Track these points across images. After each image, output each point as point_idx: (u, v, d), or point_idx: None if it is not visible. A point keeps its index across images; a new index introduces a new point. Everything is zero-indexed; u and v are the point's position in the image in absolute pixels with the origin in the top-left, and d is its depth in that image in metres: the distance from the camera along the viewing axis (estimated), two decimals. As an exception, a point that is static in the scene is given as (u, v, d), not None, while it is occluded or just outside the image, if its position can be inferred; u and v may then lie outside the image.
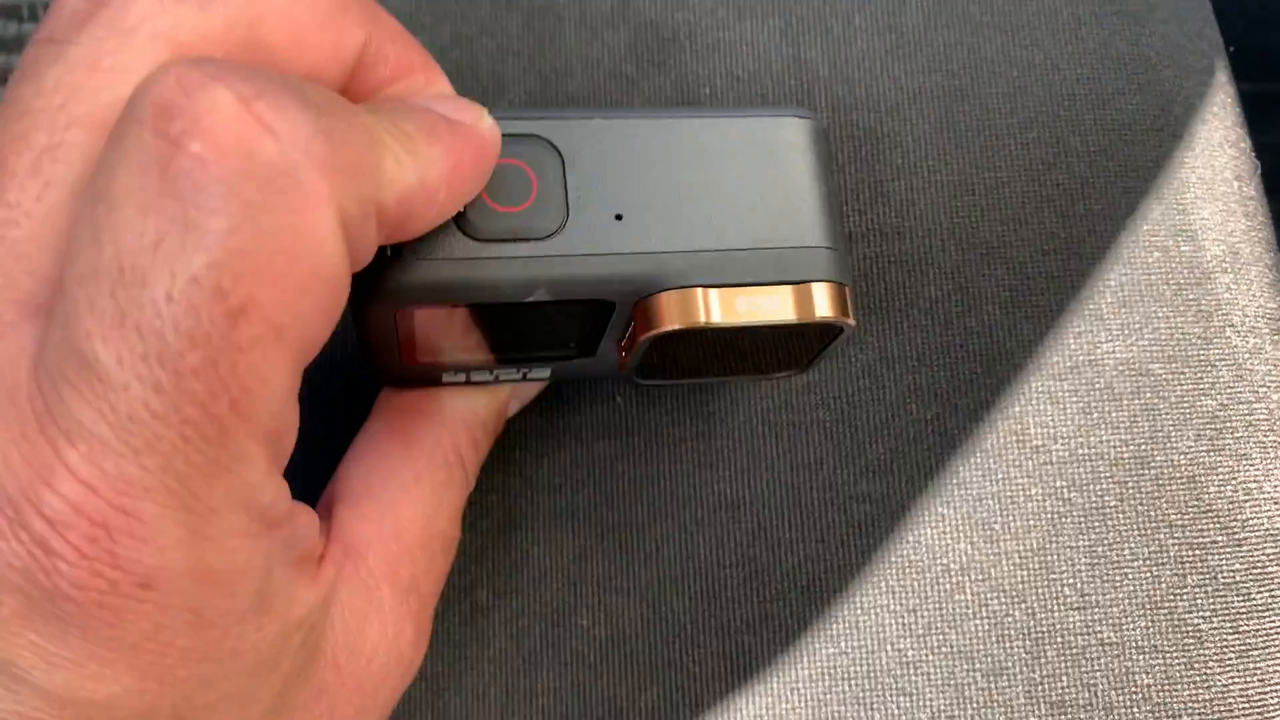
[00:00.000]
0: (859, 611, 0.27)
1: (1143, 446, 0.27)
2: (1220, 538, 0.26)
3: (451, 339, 0.23)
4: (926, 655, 0.26)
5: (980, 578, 0.26)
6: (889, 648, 0.26)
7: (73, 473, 0.15)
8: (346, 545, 0.22)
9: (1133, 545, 0.26)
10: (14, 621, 0.16)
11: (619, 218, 0.21)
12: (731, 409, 0.28)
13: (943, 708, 0.26)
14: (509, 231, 0.20)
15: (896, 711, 0.26)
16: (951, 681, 0.26)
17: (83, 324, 0.15)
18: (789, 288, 0.21)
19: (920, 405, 0.27)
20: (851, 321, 0.21)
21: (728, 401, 0.28)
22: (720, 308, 0.20)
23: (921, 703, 0.26)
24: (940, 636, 0.26)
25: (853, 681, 0.26)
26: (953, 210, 0.28)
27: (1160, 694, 0.26)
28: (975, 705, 0.26)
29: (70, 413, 0.15)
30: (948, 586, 0.26)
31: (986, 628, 0.26)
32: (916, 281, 0.28)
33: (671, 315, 0.21)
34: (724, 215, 0.21)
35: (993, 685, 0.26)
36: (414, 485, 0.24)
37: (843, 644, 0.27)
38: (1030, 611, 0.26)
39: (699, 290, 0.20)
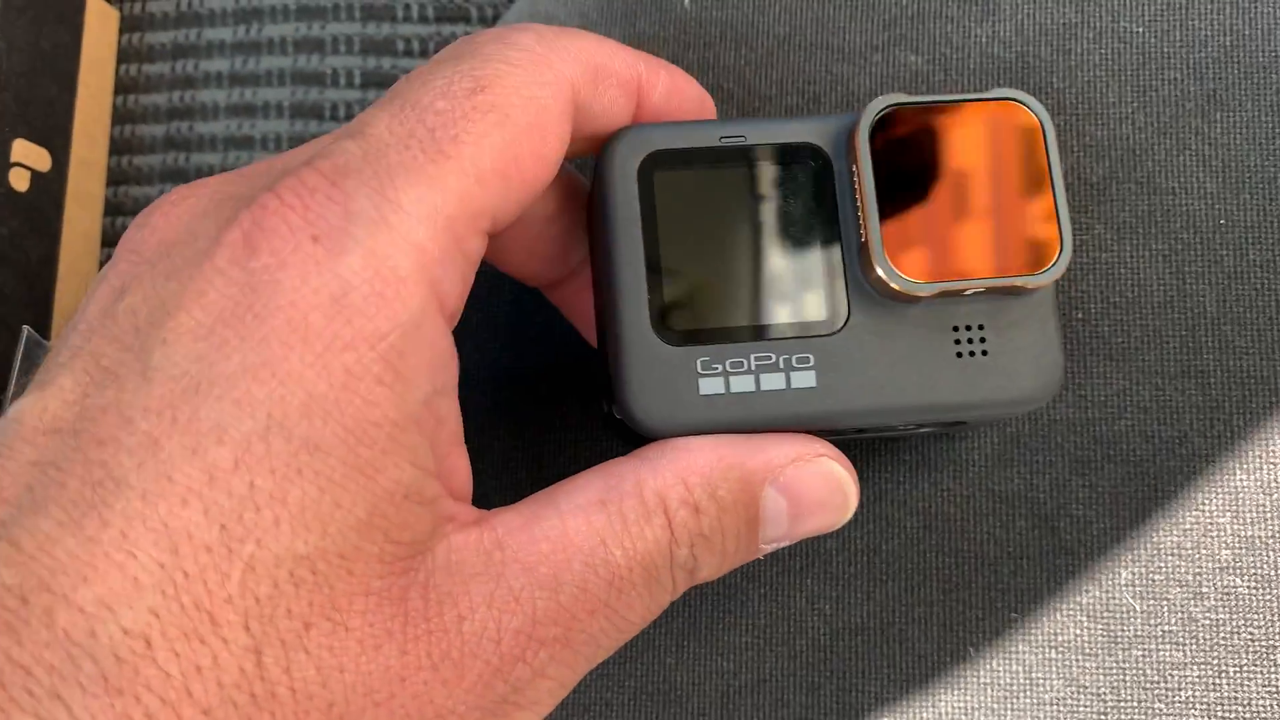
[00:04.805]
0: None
1: None
2: None
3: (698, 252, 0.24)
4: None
5: None
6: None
7: (314, 169, 0.21)
8: (482, 517, 0.22)
9: None
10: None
11: None
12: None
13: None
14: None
15: None
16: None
17: (365, 117, 0.22)
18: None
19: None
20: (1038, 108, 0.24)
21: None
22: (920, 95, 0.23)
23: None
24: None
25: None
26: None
27: None
28: None
29: (337, 148, 0.21)
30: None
31: None
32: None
33: (881, 101, 0.23)
34: None
35: None
36: (593, 508, 0.22)
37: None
38: None
39: (899, 93, 0.23)
